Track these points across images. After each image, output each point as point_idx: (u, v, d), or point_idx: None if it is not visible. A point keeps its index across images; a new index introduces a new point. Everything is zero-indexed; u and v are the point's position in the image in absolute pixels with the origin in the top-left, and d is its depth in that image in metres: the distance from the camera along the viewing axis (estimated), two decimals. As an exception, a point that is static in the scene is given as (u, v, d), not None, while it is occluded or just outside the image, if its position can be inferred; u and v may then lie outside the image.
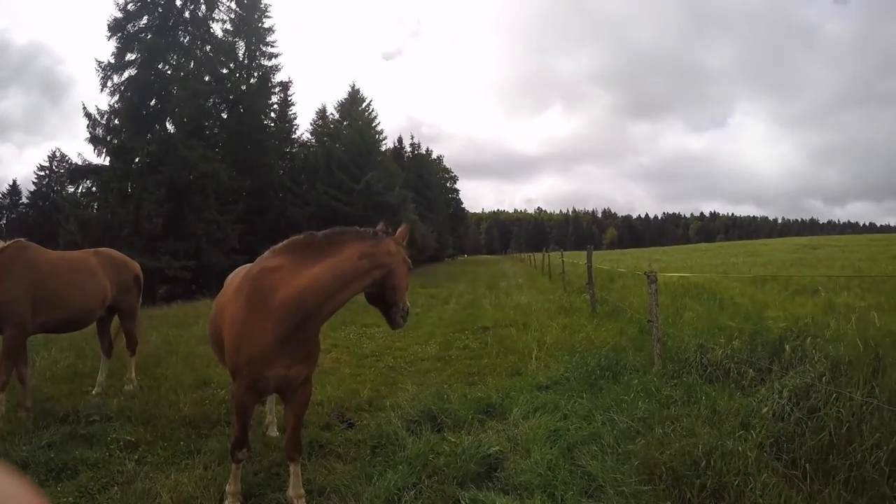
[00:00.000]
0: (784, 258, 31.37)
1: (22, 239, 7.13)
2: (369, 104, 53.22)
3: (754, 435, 4.75)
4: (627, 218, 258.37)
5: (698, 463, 4.36)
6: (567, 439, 5.33)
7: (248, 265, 5.07)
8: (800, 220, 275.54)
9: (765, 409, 5.22)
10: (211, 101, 38.47)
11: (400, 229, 4.81)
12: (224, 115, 40.70)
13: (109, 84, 34.75)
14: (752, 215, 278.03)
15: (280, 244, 4.49)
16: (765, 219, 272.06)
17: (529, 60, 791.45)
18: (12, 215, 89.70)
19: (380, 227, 4.68)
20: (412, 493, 4.54)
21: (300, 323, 4.15)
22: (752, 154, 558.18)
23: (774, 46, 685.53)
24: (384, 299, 4.63)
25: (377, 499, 4.43)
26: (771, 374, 6.05)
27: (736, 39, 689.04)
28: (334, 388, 7.59)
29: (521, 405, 6.40)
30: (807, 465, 4.27)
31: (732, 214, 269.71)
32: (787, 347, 6.64)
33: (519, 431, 5.62)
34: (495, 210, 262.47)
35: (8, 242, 6.85)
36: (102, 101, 37.82)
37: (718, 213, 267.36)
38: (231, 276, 5.57)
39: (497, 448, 5.24)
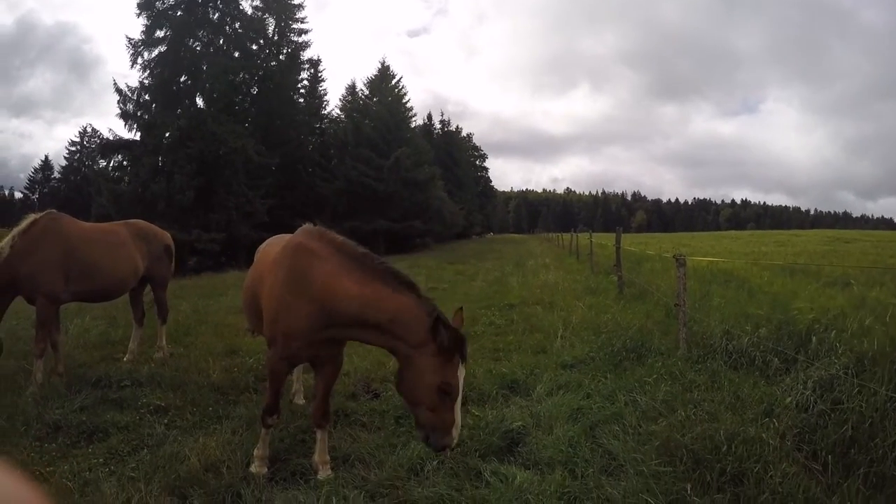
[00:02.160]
0: (815, 249, 30.73)
1: (54, 210, 7.31)
2: (399, 81, 53.19)
3: (776, 424, 4.73)
4: (657, 202, 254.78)
5: (719, 447, 4.35)
6: (589, 418, 5.37)
7: (286, 235, 5.19)
8: (832, 212, 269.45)
9: (788, 399, 5.19)
10: (240, 76, 38.67)
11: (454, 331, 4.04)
12: (254, 91, 40.89)
13: (140, 61, 35.34)
14: (783, 205, 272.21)
15: (334, 234, 4.53)
16: (797, 209, 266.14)
17: (555, 39, 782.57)
18: (45, 190, 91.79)
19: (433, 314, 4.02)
20: (434, 463, 4.60)
21: (332, 323, 4.24)
22: (783, 142, 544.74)
23: (807, 31, 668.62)
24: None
25: (400, 468, 4.51)
26: (796, 365, 6.00)
27: (767, 22, 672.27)
28: (361, 359, 7.67)
29: (545, 382, 6.44)
30: (828, 457, 4.24)
31: (764, 203, 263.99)
32: (813, 339, 6.58)
33: (542, 408, 5.65)
34: (524, 189, 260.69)
35: (40, 214, 7.03)
36: (132, 77, 38.40)
37: (749, 202, 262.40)
38: (266, 245, 5.69)
39: (520, 423, 5.29)
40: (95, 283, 7.31)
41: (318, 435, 4.69)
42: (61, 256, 6.86)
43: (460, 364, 3.95)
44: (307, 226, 4.74)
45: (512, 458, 4.77)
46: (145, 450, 5.02)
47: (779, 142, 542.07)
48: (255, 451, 4.73)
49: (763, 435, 4.49)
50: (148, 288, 8.57)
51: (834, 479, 4.04)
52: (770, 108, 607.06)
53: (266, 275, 4.76)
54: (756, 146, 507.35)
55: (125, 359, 7.97)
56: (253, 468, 4.62)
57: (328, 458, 4.68)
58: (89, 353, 8.37)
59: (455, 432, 3.88)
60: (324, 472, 4.56)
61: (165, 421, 5.74)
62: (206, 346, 8.56)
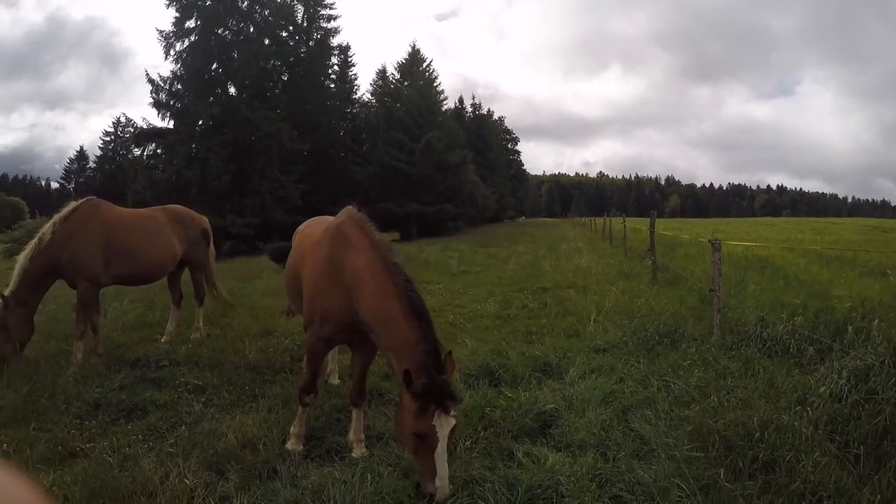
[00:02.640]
0: (852, 238, 30.14)
1: (93, 197, 7.50)
2: (429, 64, 52.84)
3: (810, 412, 4.69)
4: (691, 186, 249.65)
5: (752, 434, 4.34)
6: (622, 402, 5.39)
7: (327, 217, 5.30)
8: (871, 200, 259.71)
9: (822, 388, 5.12)
10: (271, 63, 38.89)
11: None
12: (284, 78, 41.00)
13: (172, 52, 35.66)
14: (820, 192, 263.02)
15: (373, 227, 4.56)
16: (834, 196, 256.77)
17: (586, 20, 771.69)
18: (80, 179, 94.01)
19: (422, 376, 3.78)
20: (468, 443, 4.68)
21: (357, 319, 4.30)
22: (820, 126, 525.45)
23: (844, 10, 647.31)
24: None
25: (433, 447, 4.57)
26: (831, 354, 5.93)
27: (803, 0, 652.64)
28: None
29: (578, 366, 6.48)
30: (860, 447, 4.19)
31: (800, 189, 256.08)
32: (849, 328, 6.48)
33: (575, 391, 5.69)
34: (556, 173, 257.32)
35: (80, 201, 7.22)
36: (164, 68, 38.98)
37: (785, 188, 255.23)
38: (305, 226, 5.83)
39: (552, 406, 5.33)
40: (135, 267, 7.51)
41: (354, 413, 4.79)
42: (102, 241, 7.05)
43: (440, 414, 3.72)
44: (350, 209, 4.80)
45: (544, 440, 4.82)
46: (183, 427, 5.17)
47: (815, 126, 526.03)
48: (292, 429, 4.84)
49: (796, 423, 4.46)
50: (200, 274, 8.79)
51: (865, 471, 3.99)
52: (806, 91, 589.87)
53: (307, 256, 4.89)
54: (792, 130, 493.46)
55: (163, 340, 8.17)
56: (289, 445, 4.74)
57: (363, 436, 4.79)
58: (128, 335, 8.59)
59: (439, 483, 3.68)
60: (359, 450, 4.66)
61: (203, 399, 5.90)
62: (243, 327, 8.70)
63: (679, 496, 3.73)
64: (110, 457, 4.46)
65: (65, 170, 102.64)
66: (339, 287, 4.33)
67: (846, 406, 4.84)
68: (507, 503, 3.78)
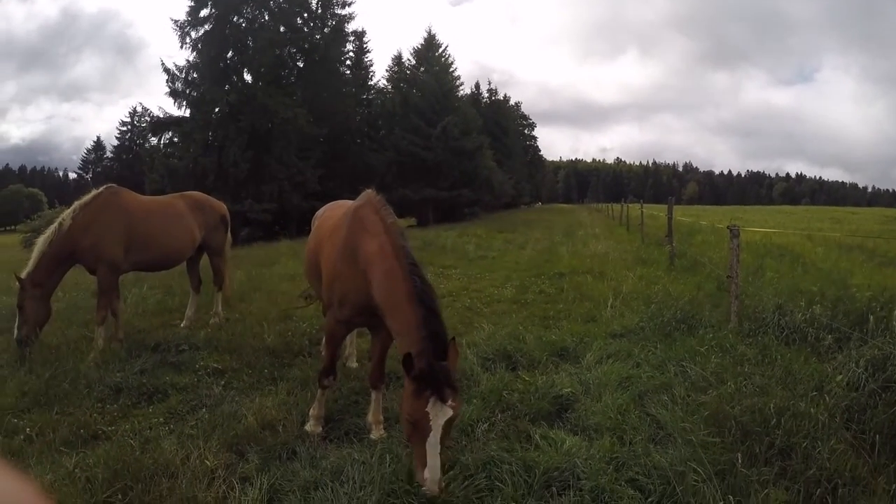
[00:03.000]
0: (872, 228, 29.79)
1: (113, 185, 7.59)
2: (445, 49, 52.58)
3: (826, 400, 4.68)
4: (709, 174, 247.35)
5: (769, 421, 4.34)
6: (638, 387, 5.40)
7: (346, 202, 5.38)
8: (891, 190, 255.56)
9: (839, 377, 5.11)
10: (287, 50, 38.83)
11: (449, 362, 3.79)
12: (300, 65, 40.91)
13: (187, 41, 35.70)
14: (840, 181, 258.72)
15: (388, 211, 4.52)
16: (854, 186, 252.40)
17: (602, 3, 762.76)
18: (98, 169, 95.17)
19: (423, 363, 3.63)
20: (485, 425, 4.71)
21: (372, 301, 4.27)
22: (840, 113, 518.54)
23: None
24: None
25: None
26: (849, 343, 5.91)
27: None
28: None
29: (595, 351, 6.48)
30: (876, 436, 4.19)
31: (819, 178, 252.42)
32: (871, 318, 6.43)
33: (591, 376, 5.71)
34: (573, 159, 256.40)
35: (101, 188, 7.30)
36: (179, 57, 38.83)
37: (805, 176, 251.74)
38: (324, 211, 5.87)
39: (569, 390, 5.35)
40: (154, 253, 7.59)
41: (373, 395, 4.84)
42: (122, 228, 7.13)
43: (435, 402, 3.51)
44: (370, 192, 4.80)
45: (561, 424, 4.86)
46: (204, 409, 5.26)
47: (835, 113, 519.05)
48: (311, 411, 4.91)
49: (812, 411, 4.45)
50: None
51: (881, 460, 4.00)
52: (826, 77, 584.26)
53: (325, 241, 4.94)
54: (811, 117, 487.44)
55: (182, 325, 8.28)
56: (308, 427, 4.81)
57: (382, 417, 4.84)
58: (148, 320, 8.70)
59: (427, 474, 3.46)
60: (377, 432, 4.72)
61: (222, 382, 5.98)
62: (261, 311, 8.79)
63: (695, 480, 3.74)
64: (132, 439, 4.54)
65: (82, 160, 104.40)
66: (355, 270, 4.36)
67: (863, 395, 4.82)
68: (525, 485, 3.82)
